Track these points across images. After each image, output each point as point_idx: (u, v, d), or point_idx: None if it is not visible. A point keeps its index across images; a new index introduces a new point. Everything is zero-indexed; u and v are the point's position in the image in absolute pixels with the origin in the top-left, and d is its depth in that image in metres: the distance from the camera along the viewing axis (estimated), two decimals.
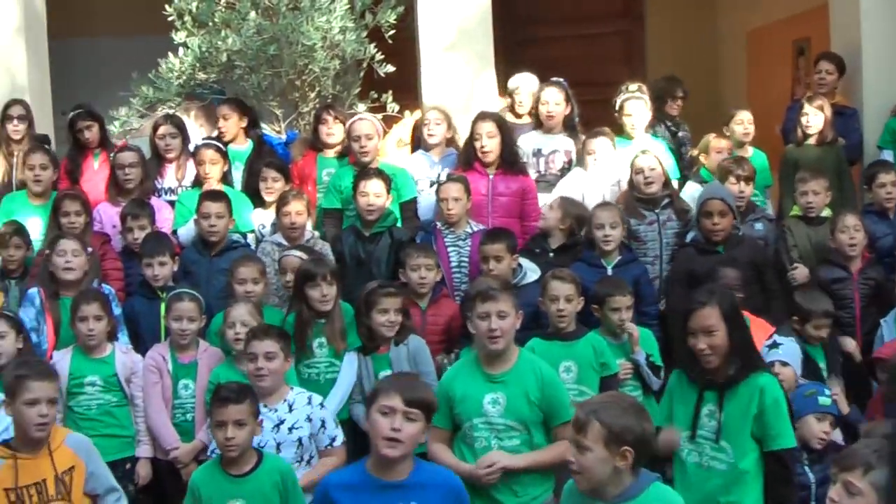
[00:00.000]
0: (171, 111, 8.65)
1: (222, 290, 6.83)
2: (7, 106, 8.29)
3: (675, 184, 8.16)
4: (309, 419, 5.58)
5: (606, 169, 8.03)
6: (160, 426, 6.29)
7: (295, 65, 8.78)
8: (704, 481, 4.92)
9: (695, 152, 9.09)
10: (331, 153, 8.23)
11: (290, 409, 5.60)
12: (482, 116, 7.94)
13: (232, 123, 8.36)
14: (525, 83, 8.80)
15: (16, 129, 8.19)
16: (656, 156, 7.85)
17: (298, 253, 6.95)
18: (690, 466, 4.98)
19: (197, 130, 8.97)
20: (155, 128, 8.24)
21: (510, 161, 7.89)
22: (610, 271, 7.11)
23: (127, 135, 8.83)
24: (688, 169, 9.04)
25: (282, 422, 5.56)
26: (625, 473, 3.94)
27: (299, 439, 5.55)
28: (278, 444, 5.49)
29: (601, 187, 7.98)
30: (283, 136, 8.87)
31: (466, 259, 7.34)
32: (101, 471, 4.97)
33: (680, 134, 9.49)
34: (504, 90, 9.07)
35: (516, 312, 5.30)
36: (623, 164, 8.00)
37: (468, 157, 7.90)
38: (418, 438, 4.33)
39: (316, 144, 8.32)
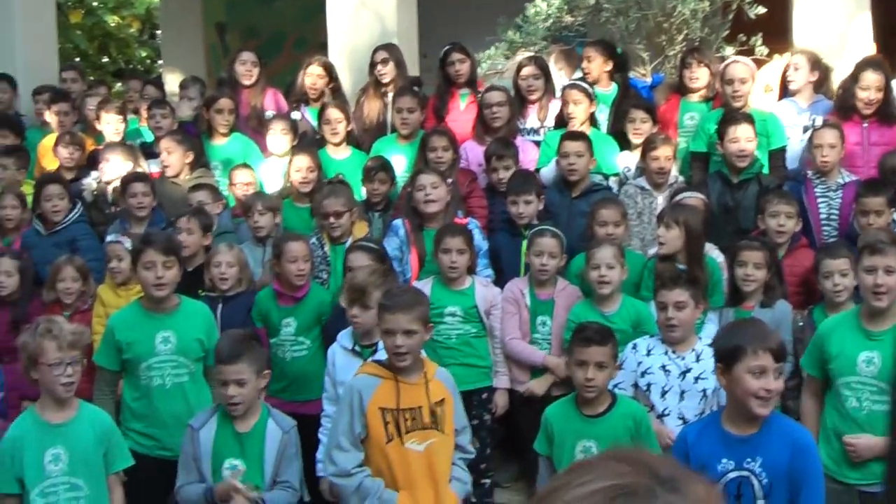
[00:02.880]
0: (535, 54, 8.65)
1: (583, 231, 6.78)
2: (375, 51, 8.56)
3: None
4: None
5: None
6: (519, 349, 6.36)
7: (663, 7, 8.57)
8: None
9: None
10: (695, 97, 8.02)
11: (698, 360, 5.50)
12: (869, 64, 7.48)
13: (596, 66, 8.27)
14: None
15: (381, 73, 8.44)
16: None
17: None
18: None
19: (556, 74, 8.93)
20: (518, 69, 8.26)
21: (885, 111, 7.42)
22: None
23: (493, 76, 8.91)
24: None
25: (688, 370, 5.47)
26: None
27: (703, 391, 5.44)
28: (682, 392, 5.43)
29: None
30: (649, 80, 8.70)
31: (836, 211, 6.97)
32: (460, 407, 5.02)
33: None
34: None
35: None
36: None
37: (844, 105, 7.48)
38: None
39: (680, 88, 8.13)
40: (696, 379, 5.42)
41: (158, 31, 22.41)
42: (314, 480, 5.47)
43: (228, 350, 4.95)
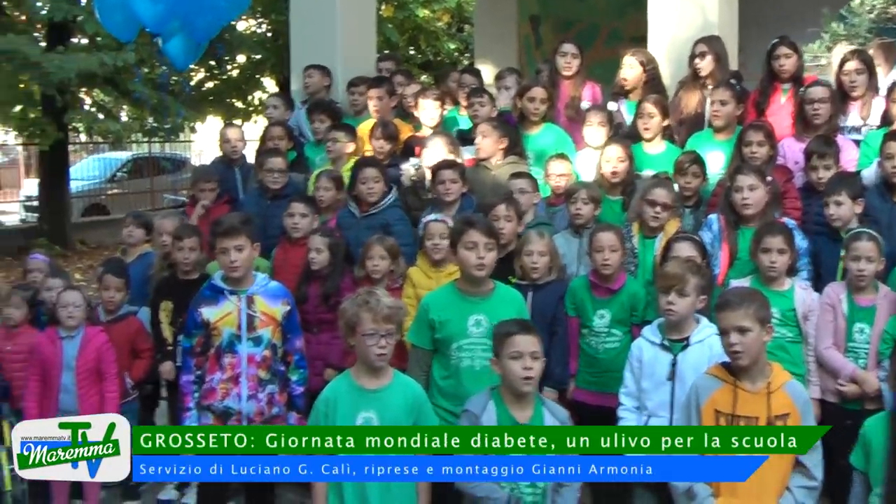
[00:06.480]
0: (858, 47, 8.32)
1: None
2: (695, 44, 8.44)
3: None
4: None
5: None
6: (831, 359, 6.15)
7: None
8: None
9: None
10: None
11: None
12: None
13: None
14: None
15: (699, 66, 8.33)
16: None
17: None
18: None
19: (876, 70, 8.53)
20: (841, 63, 7.95)
21: None
22: None
23: (814, 71, 8.63)
24: None
25: None
26: None
27: None
28: None
29: None
30: None
31: None
32: (811, 424, 4.85)
33: None
34: None
35: None
36: None
37: None
38: None
39: None
40: None
41: (467, 25, 22.99)
42: None
43: (521, 324, 5.01)
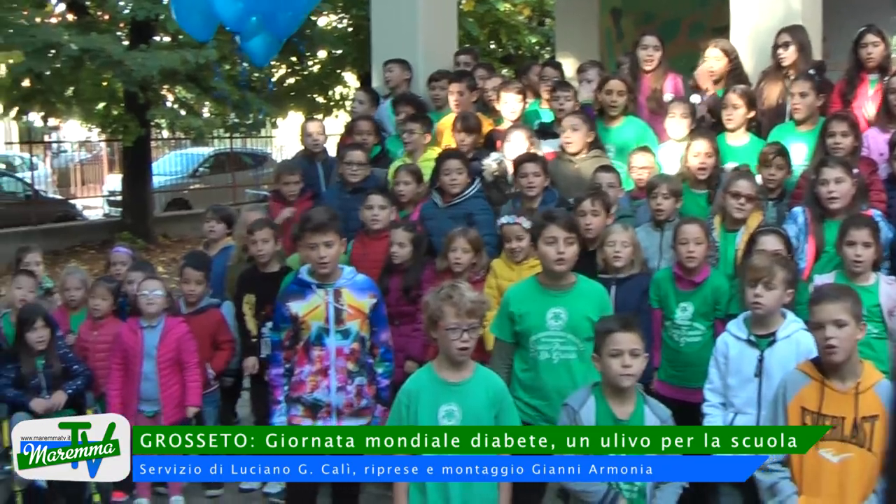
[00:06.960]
0: None
1: None
2: (778, 33, 8.32)
3: None
4: None
5: None
6: None
7: None
8: None
9: None
10: None
11: None
12: None
13: None
14: None
15: (782, 56, 8.20)
16: None
17: None
18: None
19: None
20: None
21: None
22: None
23: None
24: None
25: None
26: None
27: None
28: None
29: None
30: None
31: None
32: None
33: None
34: None
35: None
36: None
37: None
38: None
39: None
40: None
41: (548, 19, 22.91)
42: None
43: (622, 321, 4.98)
